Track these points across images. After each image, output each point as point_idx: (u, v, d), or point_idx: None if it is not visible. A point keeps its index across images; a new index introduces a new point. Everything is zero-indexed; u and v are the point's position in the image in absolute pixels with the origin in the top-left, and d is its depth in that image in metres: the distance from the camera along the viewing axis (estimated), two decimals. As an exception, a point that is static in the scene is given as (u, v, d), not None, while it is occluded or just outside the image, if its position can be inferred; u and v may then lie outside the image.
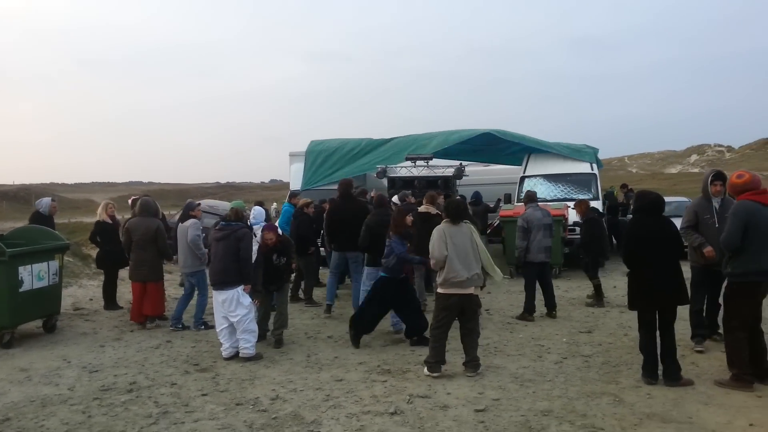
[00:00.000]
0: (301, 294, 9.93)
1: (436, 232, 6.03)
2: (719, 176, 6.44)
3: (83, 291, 11.13)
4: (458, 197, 10.64)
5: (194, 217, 8.31)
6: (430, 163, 13.18)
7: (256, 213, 8.37)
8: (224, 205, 13.01)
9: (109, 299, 9.71)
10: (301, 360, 6.60)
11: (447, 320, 5.98)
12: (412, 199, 10.11)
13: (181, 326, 8.09)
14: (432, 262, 6.04)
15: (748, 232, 5.21)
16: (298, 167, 15.88)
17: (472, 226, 6.15)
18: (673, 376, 5.37)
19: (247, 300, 6.74)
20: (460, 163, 12.96)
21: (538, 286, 8.39)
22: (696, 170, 65.43)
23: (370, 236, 7.84)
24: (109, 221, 9.63)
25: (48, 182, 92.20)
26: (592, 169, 13.67)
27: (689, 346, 6.54)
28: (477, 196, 12.80)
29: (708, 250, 6.18)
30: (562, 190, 13.52)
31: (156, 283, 8.33)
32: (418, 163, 13.14)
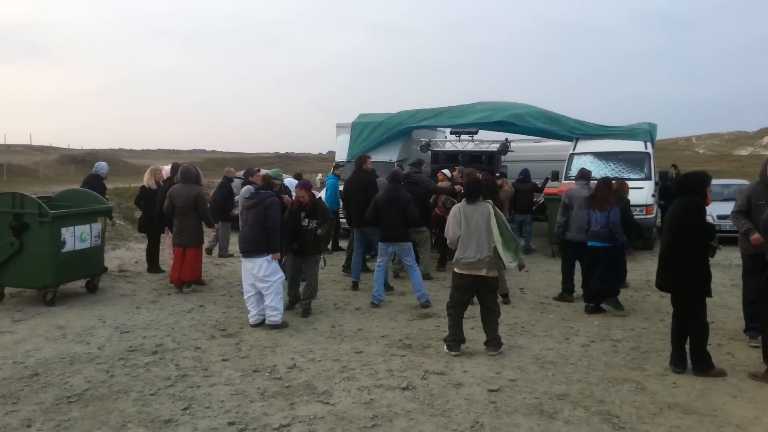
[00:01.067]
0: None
1: (453, 211, 5.97)
2: None
3: (130, 253, 11.55)
4: (499, 173, 10.36)
5: (253, 183, 8.44)
6: (475, 137, 12.90)
7: (289, 183, 8.42)
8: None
9: (152, 262, 10.02)
10: (325, 330, 6.63)
11: (461, 299, 5.89)
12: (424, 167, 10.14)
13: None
14: (447, 241, 5.98)
15: None
16: (344, 139, 15.82)
17: (491, 206, 5.92)
18: (700, 366, 5.10)
19: (275, 268, 6.79)
20: (506, 138, 12.61)
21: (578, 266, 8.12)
22: (768, 152, 62.04)
23: (376, 211, 7.76)
24: (154, 187, 9.86)
25: (117, 147, 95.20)
26: (646, 148, 13.00)
27: (728, 336, 6.23)
28: (525, 174, 12.35)
29: (755, 237, 5.80)
30: (613, 169, 12.95)
31: (195, 248, 8.51)
32: (463, 137, 12.88)
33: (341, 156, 15.37)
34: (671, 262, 5.21)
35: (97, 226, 8.27)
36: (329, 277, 9.54)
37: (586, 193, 8.04)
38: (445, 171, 10.90)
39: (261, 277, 6.68)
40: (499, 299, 7.66)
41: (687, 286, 5.16)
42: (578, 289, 8.04)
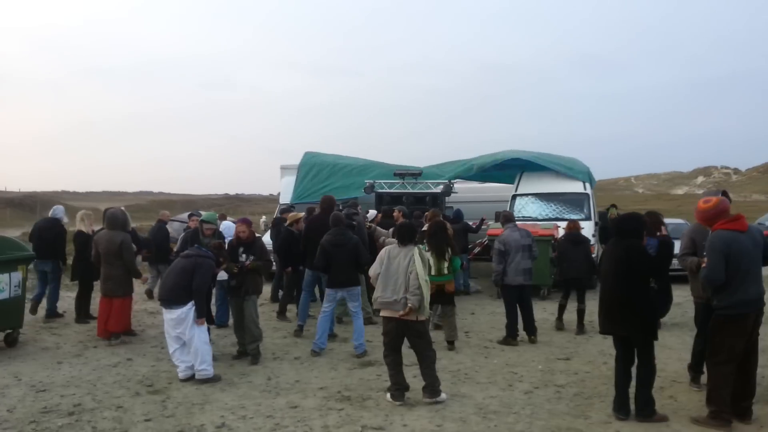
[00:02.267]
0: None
1: (381, 252, 5.89)
2: None
3: (59, 303, 10.86)
4: (443, 215, 10.29)
5: (189, 227, 8.12)
6: (419, 179, 12.90)
7: (224, 227, 8.14)
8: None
9: (82, 311, 9.45)
10: (260, 383, 6.28)
11: (391, 346, 5.71)
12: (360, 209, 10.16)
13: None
14: (370, 279, 5.94)
15: (730, 263, 4.86)
16: (289, 181, 15.61)
17: (418, 251, 5.76)
18: (644, 412, 5.01)
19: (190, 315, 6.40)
20: (449, 180, 12.65)
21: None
22: (702, 191, 64.87)
23: (326, 257, 7.48)
24: (86, 232, 9.38)
25: (59, 190, 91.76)
26: (585, 189, 13.29)
27: (670, 378, 6.19)
28: (458, 214, 12.25)
29: (702, 261, 5.81)
30: (554, 209, 13.17)
31: (123, 298, 8.03)
32: (407, 179, 12.85)
33: (286, 198, 15.13)
34: (617, 307, 5.13)
35: (17, 275, 7.72)
36: (269, 324, 9.18)
37: (518, 236, 8.04)
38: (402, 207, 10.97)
39: (183, 329, 6.29)
40: (446, 346, 7.54)
41: (636, 331, 5.09)
42: (521, 332, 7.96)
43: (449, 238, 7.67)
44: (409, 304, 5.43)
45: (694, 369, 6.00)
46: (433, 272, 6.50)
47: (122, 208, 11.68)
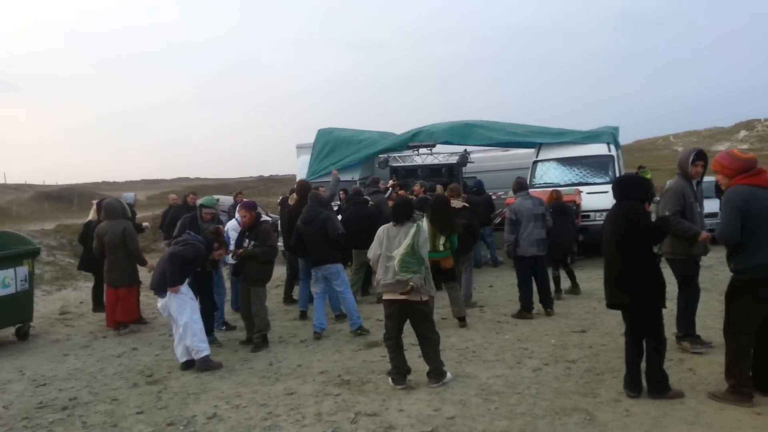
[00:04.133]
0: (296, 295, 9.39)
1: (379, 232, 5.54)
2: (702, 156, 5.67)
3: (76, 293, 11.00)
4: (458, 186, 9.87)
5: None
6: (434, 150, 12.50)
7: (230, 226, 7.99)
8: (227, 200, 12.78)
9: (98, 301, 9.45)
10: (261, 369, 6.11)
11: (393, 329, 5.41)
12: (382, 185, 9.69)
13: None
14: (370, 261, 5.61)
15: (747, 222, 4.42)
16: (305, 160, 15.40)
17: (418, 228, 5.45)
18: (657, 387, 4.65)
19: (185, 307, 6.25)
20: (465, 150, 12.19)
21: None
22: (745, 146, 62.34)
23: (299, 238, 7.34)
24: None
25: (99, 181, 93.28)
26: (609, 150, 12.66)
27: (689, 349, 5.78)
28: (479, 185, 11.86)
29: (704, 236, 5.47)
30: (577, 174, 12.61)
31: (128, 288, 7.95)
32: (422, 150, 12.47)
33: (302, 176, 14.91)
34: (620, 275, 4.77)
35: (23, 270, 7.72)
36: (280, 307, 9.04)
37: (530, 205, 7.66)
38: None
39: (173, 316, 6.17)
40: (457, 323, 7.25)
41: (642, 299, 4.71)
42: (537, 305, 7.62)
43: (451, 215, 7.31)
44: (411, 283, 5.14)
45: (688, 328, 5.77)
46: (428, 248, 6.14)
47: (133, 194, 11.83)
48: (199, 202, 7.85)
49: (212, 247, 6.67)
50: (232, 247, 7.09)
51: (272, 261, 7.01)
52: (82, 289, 11.16)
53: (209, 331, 7.08)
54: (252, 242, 6.84)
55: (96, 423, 4.90)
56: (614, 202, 4.95)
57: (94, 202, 10.13)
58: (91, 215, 9.66)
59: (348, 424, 4.55)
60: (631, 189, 4.83)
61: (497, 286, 9.76)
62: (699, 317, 5.96)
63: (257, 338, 6.86)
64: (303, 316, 8.19)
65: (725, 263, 4.73)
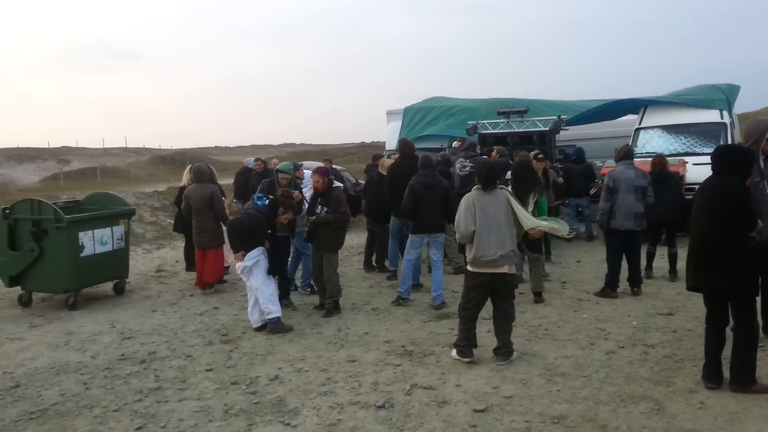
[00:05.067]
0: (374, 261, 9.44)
1: (464, 202, 5.20)
2: None
3: (174, 253, 11.61)
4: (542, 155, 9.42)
5: (297, 177, 7.97)
6: (525, 116, 11.98)
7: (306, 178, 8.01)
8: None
9: (190, 261, 9.94)
10: (329, 334, 6.18)
11: (477, 300, 5.21)
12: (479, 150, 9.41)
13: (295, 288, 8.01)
14: (457, 236, 5.28)
15: None
16: (395, 126, 15.30)
17: (508, 192, 5.23)
18: (740, 379, 4.22)
19: (254, 269, 6.38)
20: (558, 116, 11.58)
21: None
22: None
23: (414, 200, 7.05)
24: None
25: (212, 146, 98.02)
26: (722, 118, 11.53)
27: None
28: (579, 153, 11.30)
29: (760, 226, 4.71)
30: (684, 143, 11.65)
31: (215, 249, 8.28)
32: (512, 117, 12.00)
33: (392, 143, 14.85)
34: (707, 255, 4.33)
35: (119, 229, 8.21)
36: (359, 273, 9.10)
37: (631, 175, 7.12)
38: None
39: (245, 278, 6.36)
40: (533, 298, 6.98)
41: (736, 285, 4.26)
42: (623, 284, 7.17)
43: (537, 177, 6.96)
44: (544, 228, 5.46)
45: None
46: None
47: (253, 158, 12.80)
48: (276, 167, 7.96)
49: (277, 212, 6.70)
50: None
51: (344, 228, 7.00)
52: (179, 248, 11.75)
53: (285, 294, 7.25)
54: (324, 208, 6.87)
55: (167, 377, 5.15)
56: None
57: (189, 165, 10.57)
58: (184, 179, 10.09)
59: (402, 396, 4.50)
60: (732, 160, 4.32)
61: (585, 262, 9.31)
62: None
63: (329, 304, 6.93)
64: (394, 275, 8.18)
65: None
